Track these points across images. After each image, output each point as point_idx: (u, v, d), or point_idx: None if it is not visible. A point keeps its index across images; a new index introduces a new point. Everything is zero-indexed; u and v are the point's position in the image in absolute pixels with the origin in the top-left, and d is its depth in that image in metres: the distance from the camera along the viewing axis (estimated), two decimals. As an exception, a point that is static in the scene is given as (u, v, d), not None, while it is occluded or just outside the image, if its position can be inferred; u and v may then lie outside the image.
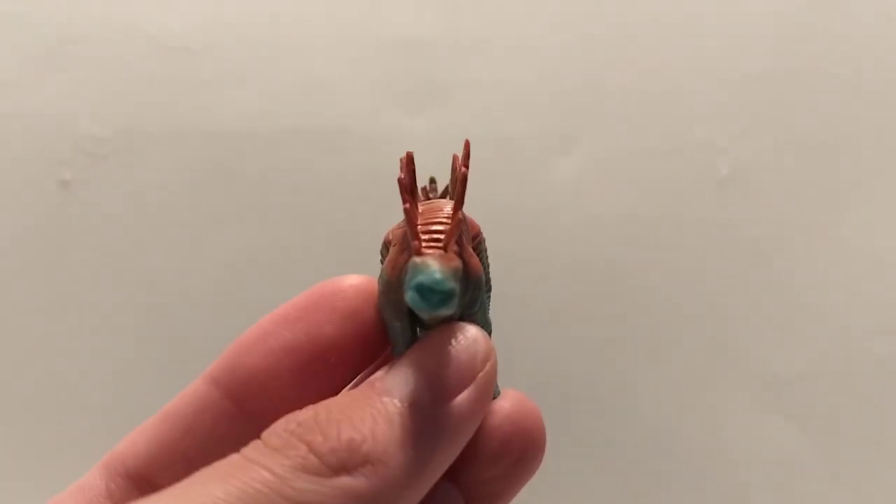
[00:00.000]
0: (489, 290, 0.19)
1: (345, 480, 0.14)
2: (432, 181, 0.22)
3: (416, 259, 0.15)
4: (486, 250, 0.20)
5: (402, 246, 0.17)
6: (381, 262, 0.19)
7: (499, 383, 0.18)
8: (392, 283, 0.17)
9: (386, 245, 0.19)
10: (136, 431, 0.19)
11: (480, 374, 0.16)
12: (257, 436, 0.15)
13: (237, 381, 0.18)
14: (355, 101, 0.42)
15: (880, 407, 0.41)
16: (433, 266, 0.15)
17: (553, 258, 0.41)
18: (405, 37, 0.42)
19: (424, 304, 0.15)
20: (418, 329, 0.18)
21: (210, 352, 0.41)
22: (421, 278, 0.15)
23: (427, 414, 0.15)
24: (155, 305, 0.41)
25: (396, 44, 0.42)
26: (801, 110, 0.42)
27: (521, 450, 0.18)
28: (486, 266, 0.19)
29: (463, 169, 0.17)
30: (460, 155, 0.18)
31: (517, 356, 0.40)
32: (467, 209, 0.19)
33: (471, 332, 0.17)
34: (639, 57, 0.42)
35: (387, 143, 0.41)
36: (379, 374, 0.16)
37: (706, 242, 0.41)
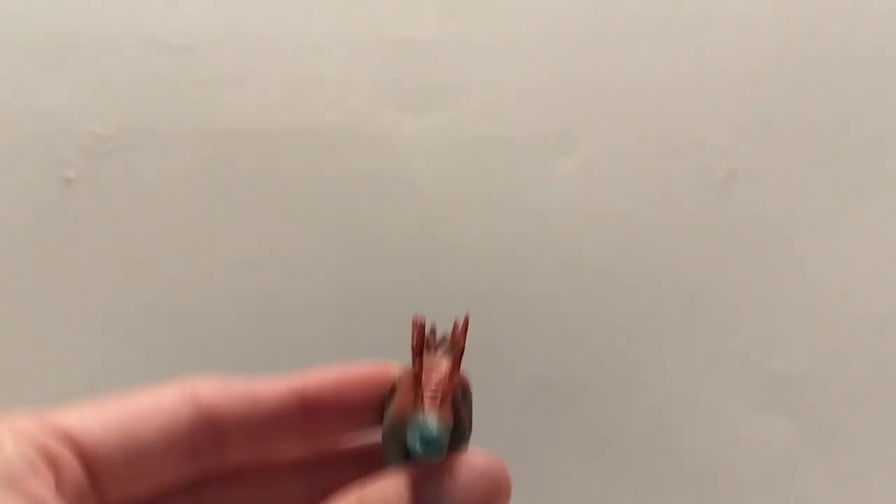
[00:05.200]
0: (470, 431, 0.23)
1: None
2: (432, 331, 0.25)
3: (420, 415, 0.20)
4: (471, 399, 0.24)
5: (408, 397, 0.21)
6: (386, 401, 0.23)
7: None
8: (396, 427, 0.21)
9: (393, 389, 0.23)
10: (224, 389, 0.22)
11: None
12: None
13: (309, 387, 0.23)
14: (357, 101, 0.42)
15: (880, 407, 0.41)
16: (432, 424, 0.19)
17: (552, 258, 0.41)
18: (407, 37, 0.42)
19: (423, 452, 0.19)
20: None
21: (213, 351, 0.41)
22: (423, 433, 0.19)
23: None
24: (158, 304, 0.41)
25: (398, 44, 0.42)
26: (802, 110, 0.41)
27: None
28: (469, 412, 0.23)
29: (461, 343, 0.21)
30: (461, 321, 0.22)
31: (516, 356, 0.40)
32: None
33: (480, 461, 0.20)
34: (639, 57, 0.42)
35: (389, 142, 0.41)
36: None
37: (706, 242, 0.41)
